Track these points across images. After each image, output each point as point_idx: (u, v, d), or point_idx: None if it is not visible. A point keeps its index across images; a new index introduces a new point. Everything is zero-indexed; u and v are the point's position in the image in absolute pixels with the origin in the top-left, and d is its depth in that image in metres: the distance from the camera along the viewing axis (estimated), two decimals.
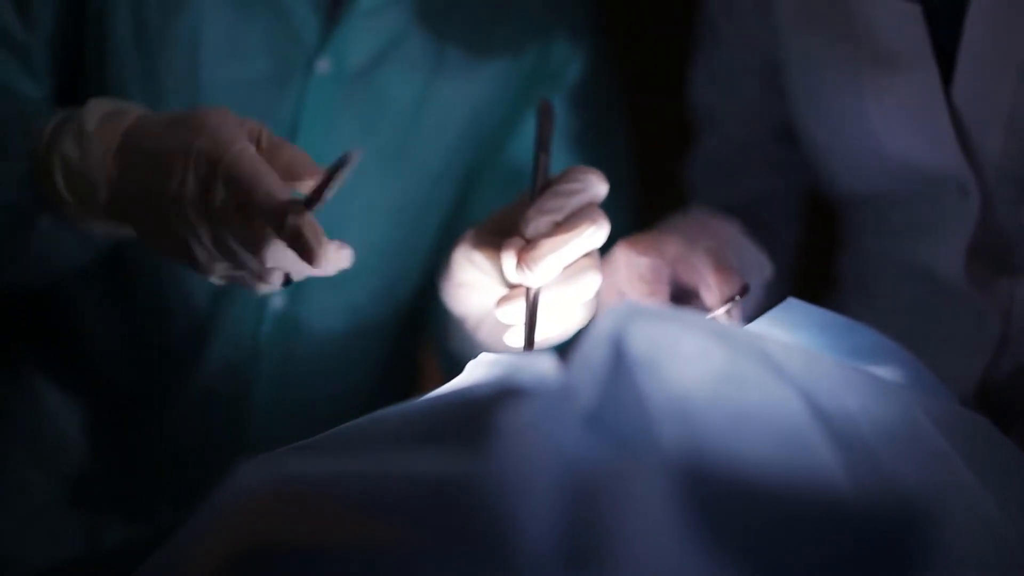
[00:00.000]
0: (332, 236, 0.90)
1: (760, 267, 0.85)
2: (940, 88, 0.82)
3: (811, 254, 1.07)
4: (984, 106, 0.82)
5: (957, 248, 0.87)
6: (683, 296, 0.78)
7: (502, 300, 0.71)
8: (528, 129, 0.95)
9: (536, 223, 0.68)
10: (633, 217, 1.00)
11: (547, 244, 0.68)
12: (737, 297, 0.75)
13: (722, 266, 0.76)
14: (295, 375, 0.94)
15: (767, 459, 0.50)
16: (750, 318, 0.69)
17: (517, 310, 0.70)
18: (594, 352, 0.51)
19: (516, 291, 0.71)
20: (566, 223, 0.69)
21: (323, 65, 0.86)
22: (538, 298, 0.70)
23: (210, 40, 0.85)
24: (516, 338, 0.71)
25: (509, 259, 0.69)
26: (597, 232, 0.69)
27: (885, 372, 0.67)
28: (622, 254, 0.77)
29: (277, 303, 0.91)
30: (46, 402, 0.94)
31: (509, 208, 0.72)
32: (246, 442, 0.93)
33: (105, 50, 0.84)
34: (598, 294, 0.76)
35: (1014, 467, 0.61)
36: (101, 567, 0.91)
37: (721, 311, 0.75)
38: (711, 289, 0.76)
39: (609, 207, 0.98)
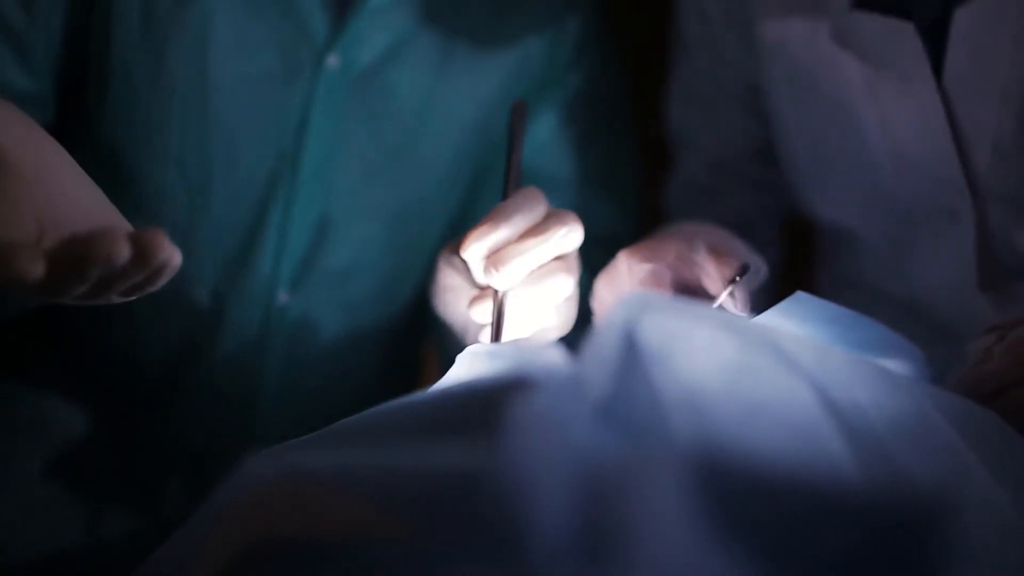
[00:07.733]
0: (335, 233, 0.91)
1: (756, 268, 0.85)
2: (940, 104, 0.82)
3: (790, 271, 1.06)
4: (970, 127, 0.82)
5: (938, 275, 0.87)
6: (688, 295, 0.78)
7: (473, 300, 0.72)
8: (537, 132, 0.95)
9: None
10: (637, 219, 0.99)
11: (514, 248, 0.68)
12: (737, 278, 0.75)
13: (719, 251, 0.76)
14: (302, 369, 0.93)
15: (779, 451, 0.50)
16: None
17: (486, 310, 0.71)
18: (606, 344, 0.51)
19: (486, 292, 0.71)
20: (538, 226, 0.69)
21: (332, 61, 0.86)
22: (504, 299, 0.70)
23: (219, 33, 0.84)
24: (487, 338, 0.72)
25: (477, 262, 0.70)
26: (569, 235, 0.69)
27: (893, 366, 0.66)
28: (623, 262, 0.77)
29: (281, 298, 0.90)
30: (51, 393, 0.93)
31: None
32: (254, 436, 0.92)
33: (111, 40, 0.83)
34: (598, 302, 0.76)
35: None
36: (106, 560, 0.90)
37: (724, 295, 0.75)
38: (711, 276, 0.75)
39: (614, 209, 0.98)
